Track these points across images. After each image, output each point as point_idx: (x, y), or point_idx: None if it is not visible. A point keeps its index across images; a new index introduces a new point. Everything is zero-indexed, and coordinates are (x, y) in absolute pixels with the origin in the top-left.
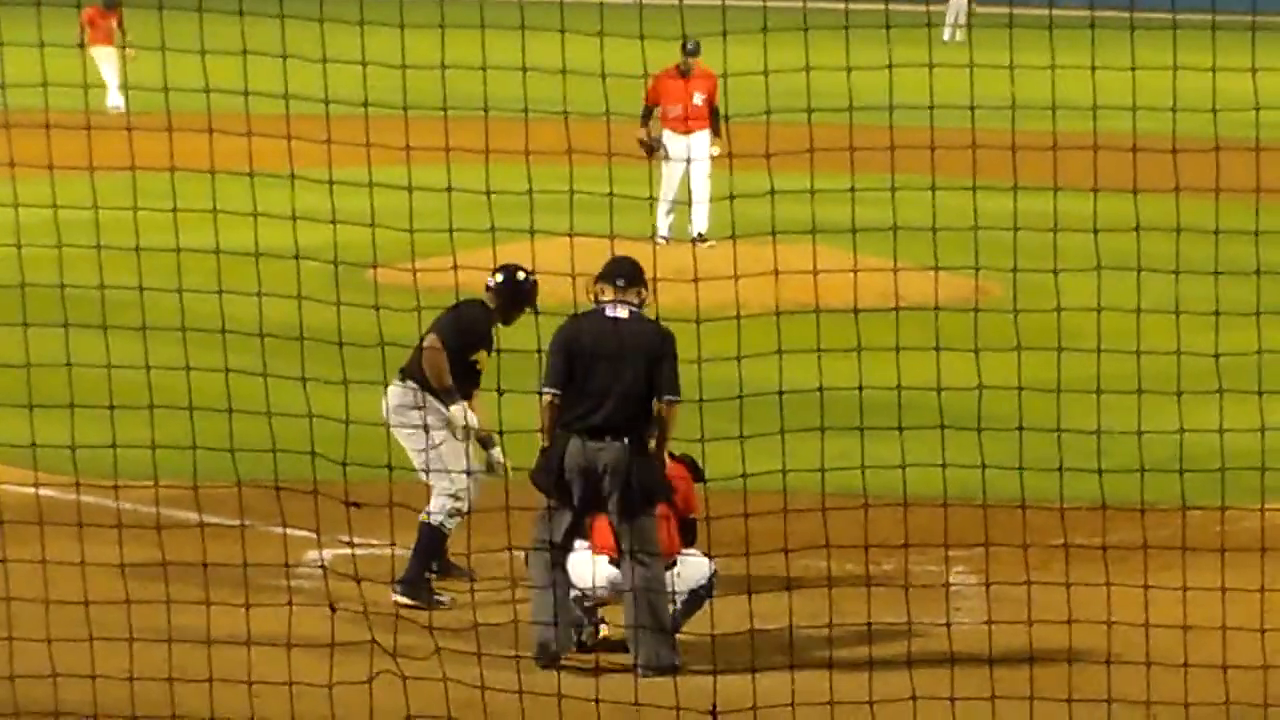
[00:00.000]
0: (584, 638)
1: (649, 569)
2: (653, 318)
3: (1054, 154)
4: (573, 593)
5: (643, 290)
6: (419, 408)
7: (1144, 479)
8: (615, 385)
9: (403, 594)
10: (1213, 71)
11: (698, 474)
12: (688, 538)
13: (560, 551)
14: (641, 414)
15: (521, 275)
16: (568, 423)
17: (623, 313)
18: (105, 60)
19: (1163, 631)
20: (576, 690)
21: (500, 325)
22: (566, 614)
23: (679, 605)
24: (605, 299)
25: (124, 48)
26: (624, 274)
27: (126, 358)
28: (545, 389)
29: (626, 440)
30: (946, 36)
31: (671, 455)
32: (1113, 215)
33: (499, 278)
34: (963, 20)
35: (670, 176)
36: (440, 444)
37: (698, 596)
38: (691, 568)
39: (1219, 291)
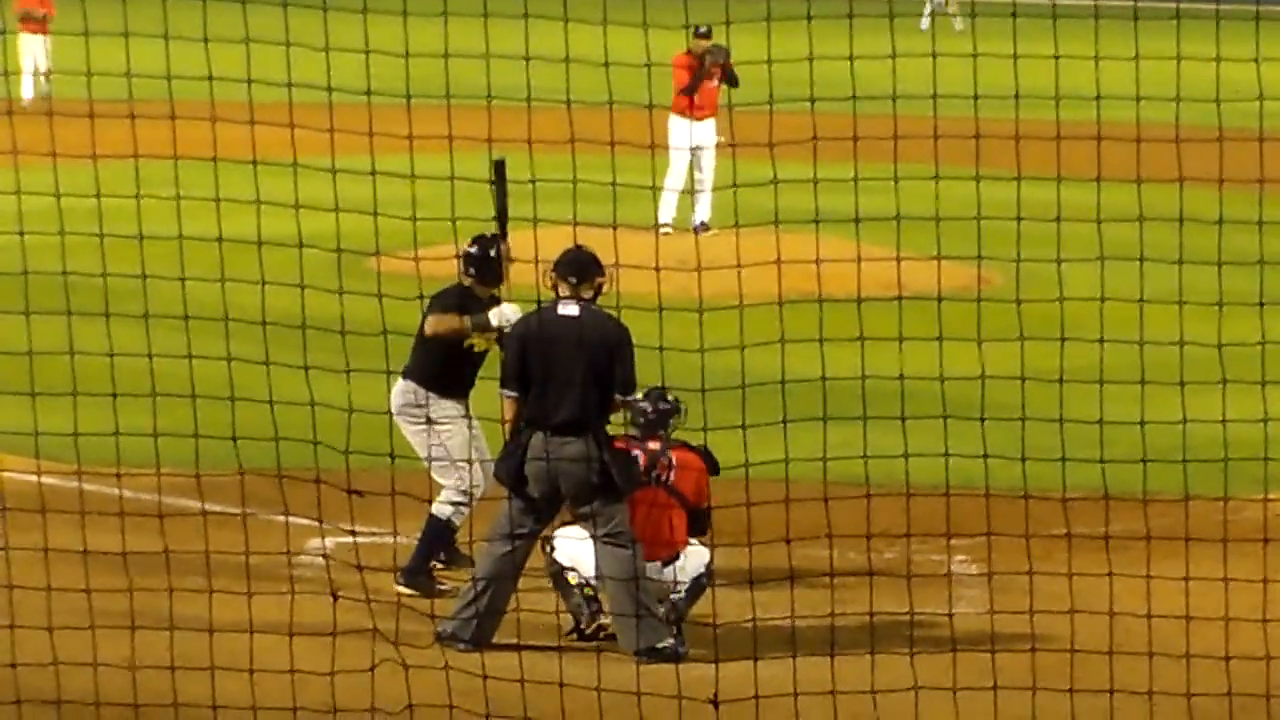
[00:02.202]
0: (582, 625)
1: (624, 555)
2: (608, 310)
3: (1057, 143)
4: (572, 578)
5: (598, 280)
6: (420, 405)
7: (1146, 469)
8: (571, 382)
9: (405, 584)
10: (1216, 61)
11: (713, 466)
12: (698, 527)
13: (518, 543)
14: (602, 407)
15: (490, 243)
16: (531, 419)
17: (574, 309)
18: (34, 49)
19: (1165, 621)
20: (578, 679)
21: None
22: (495, 610)
23: (682, 595)
24: (560, 295)
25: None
26: (575, 272)
27: (129, 345)
28: (502, 390)
29: (590, 434)
30: (924, 26)
31: (688, 445)
32: (1116, 205)
33: (472, 248)
34: (948, 10)
35: (677, 164)
36: (446, 439)
37: (699, 584)
38: (693, 558)
39: (1222, 282)
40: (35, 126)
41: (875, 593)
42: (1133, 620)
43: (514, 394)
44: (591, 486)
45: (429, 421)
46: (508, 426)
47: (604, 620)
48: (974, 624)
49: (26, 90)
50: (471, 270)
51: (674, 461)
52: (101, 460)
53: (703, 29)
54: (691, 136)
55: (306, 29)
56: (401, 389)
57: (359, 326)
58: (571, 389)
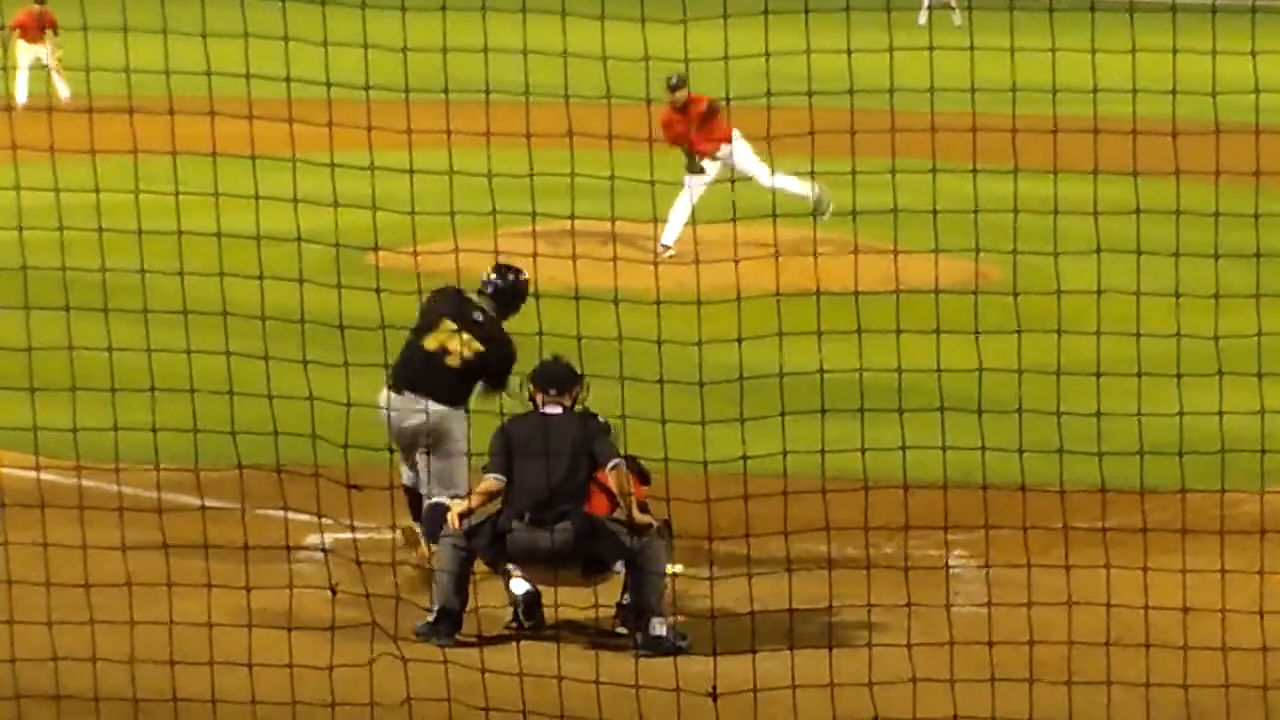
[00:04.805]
0: (521, 616)
1: (637, 546)
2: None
3: (1054, 137)
4: (514, 570)
5: (575, 390)
6: (447, 433)
7: (1144, 462)
8: (553, 476)
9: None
10: (1213, 55)
11: (642, 476)
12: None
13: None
14: (581, 497)
15: (511, 275)
16: (517, 510)
17: (555, 410)
18: (34, 53)
19: (1162, 614)
20: (577, 673)
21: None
22: (464, 601)
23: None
24: (539, 400)
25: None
26: (555, 383)
27: (128, 341)
28: (490, 474)
29: (569, 522)
30: (922, 21)
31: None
32: (1112, 198)
33: (494, 278)
34: (949, 4)
35: (692, 195)
36: (456, 465)
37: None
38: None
39: (1219, 274)
40: (34, 122)
41: (873, 586)
42: (1130, 613)
43: (501, 478)
44: (586, 560)
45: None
46: (475, 500)
47: (540, 612)
48: (972, 617)
49: (20, 94)
50: (490, 291)
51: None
52: (100, 456)
53: (673, 80)
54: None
55: (305, 24)
56: (443, 413)
57: (358, 322)
58: (551, 483)
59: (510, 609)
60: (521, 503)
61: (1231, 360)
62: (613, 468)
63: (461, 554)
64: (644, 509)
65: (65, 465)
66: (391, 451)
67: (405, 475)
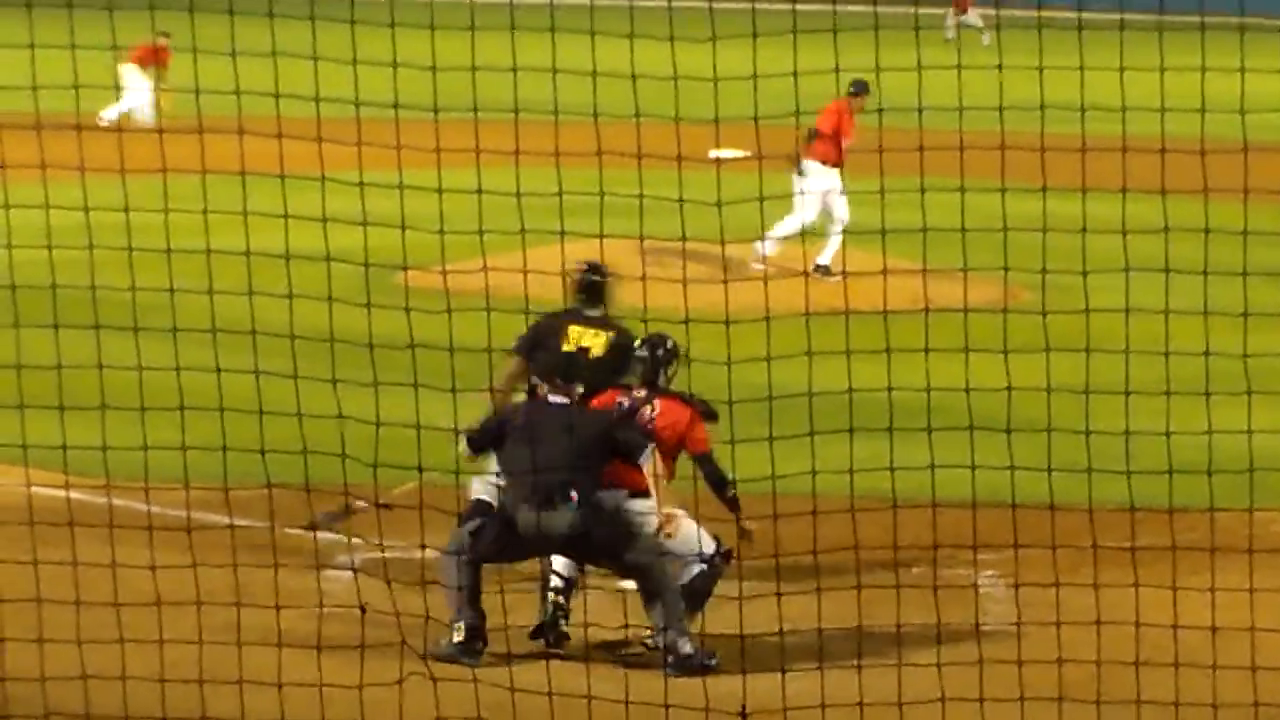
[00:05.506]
0: (545, 630)
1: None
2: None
3: (1082, 156)
4: (554, 581)
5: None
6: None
7: (1172, 481)
8: (557, 460)
9: None
10: (1240, 73)
11: (706, 412)
12: (705, 470)
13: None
14: (591, 482)
15: (595, 272)
16: (521, 495)
17: (562, 399)
18: (134, 83)
19: (1191, 633)
20: (606, 692)
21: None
22: (482, 617)
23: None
24: (545, 391)
25: (159, 90)
26: (560, 373)
27: (157, 360)
28: (466, 449)
29: (576, 503)
30: (950, 36)
31: (678, 394)
32: (1141, 217)
33: (588, 273)
34: (976, 26)
35: (810, 205)
36: None
37: (695, 591)
38: (684, 531)
39: (1247, 293)
40: (63, 142)
41: (902, 605)
42: (1159, 632)
43: (471, 454)
44: (601, 545)
45: None
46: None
47: (564, 628)
48: (1001, 636)
49: (115, 111)
50: (582, 295)
51: (656, 407)
52: (130, 475)
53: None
54: (833, 180)
55: (334, 43)
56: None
57: (387, 341)
58: (556, 468)
59: (539, 612)
60: (524, 487)
61: (1260, 379)
62: (644, 458)
63: (467, 566)
64: (706, 459)
65: (95, 484)
66: (421, 471)
67: (484, 489)
